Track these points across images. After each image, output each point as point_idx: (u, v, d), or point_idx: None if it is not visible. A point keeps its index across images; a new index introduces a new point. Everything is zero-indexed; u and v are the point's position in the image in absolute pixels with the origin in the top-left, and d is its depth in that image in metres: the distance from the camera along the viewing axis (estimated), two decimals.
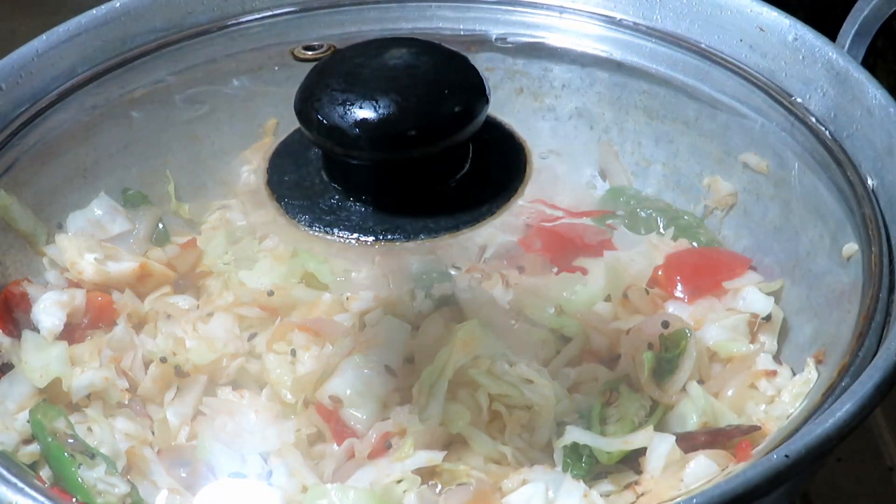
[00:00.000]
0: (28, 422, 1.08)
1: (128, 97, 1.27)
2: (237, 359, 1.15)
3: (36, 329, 1.15)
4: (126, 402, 1.12)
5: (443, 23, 1.29)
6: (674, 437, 1.03)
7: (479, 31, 1.29)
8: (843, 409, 0.88)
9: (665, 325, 1.11)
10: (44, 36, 1.24)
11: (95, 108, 1.25)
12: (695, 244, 1.23)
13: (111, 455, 1.06)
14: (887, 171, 1.08)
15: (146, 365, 1.14)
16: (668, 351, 1.11)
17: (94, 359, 1.13)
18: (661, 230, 1.24)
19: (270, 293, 1.17)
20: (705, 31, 1.23)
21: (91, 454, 1.05)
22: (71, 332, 1.16)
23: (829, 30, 1.18)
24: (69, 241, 1.20)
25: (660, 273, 1.18)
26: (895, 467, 1.33)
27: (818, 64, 1.16)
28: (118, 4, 1.27)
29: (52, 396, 1.11)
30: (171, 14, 1.28)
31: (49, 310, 1.15)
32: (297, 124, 0.97)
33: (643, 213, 1.25)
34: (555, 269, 1.21)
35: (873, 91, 1.11)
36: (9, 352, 1.14)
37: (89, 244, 1.20)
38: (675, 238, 1.23)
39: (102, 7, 1.26)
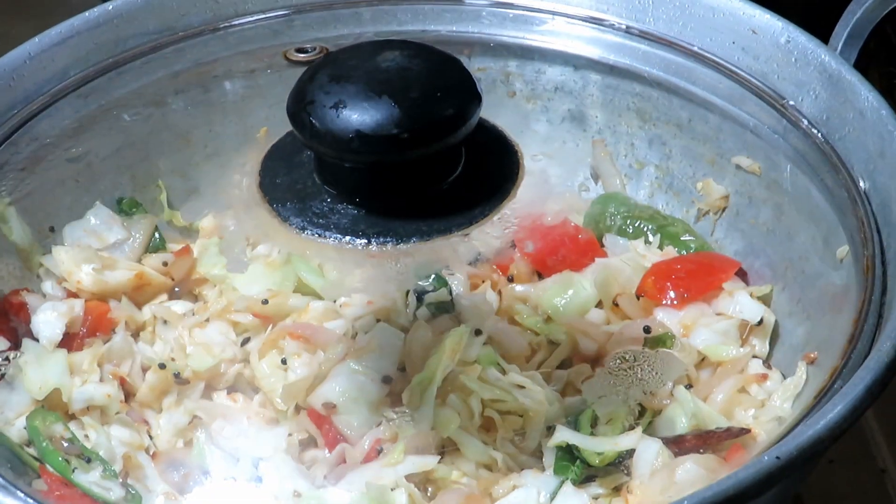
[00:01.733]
0: (25, 427, 1.09)
1: (120, 100, 1.27)
2: (235, 364, 1.15)
3: (35, 338, 1.15)
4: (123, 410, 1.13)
5: (435, 25, 1.29)
6: (660, 441, 1.04)
7: (471, 33, 1.29)
8: (834, 410, 0.88)
9: (647, 330, 1.12)
10: (36, 38, 1.23)
11: (88, 111, 1.25)
12: (684, 252, 1.23)
13: (107, 460, 1.06)
14: (879, 173, 1.08)
15: (144, 371, 1.15)
16: None
17: (92, 368, 1.13)
18: (650, 239, 1.24)
19: (265, 302, 1.17)
20: (698, 34, 1.23)
21: (87, 458, 1.05)
22: (69, 342, 1.16)
23: (822, 32, 1.18)
24: (66, 253, 1.20)
25: (650, 279, 1.18)
26: (887, 469, 1.33)
27: (811, 66, 1.16)
28: (111, 7, 1.26)
29: (51, 406, 1.11)
30: (164, 16, 1.28)
31: (48, 320, 1.15)
32: (289, 127, 0.97)
33: (630, 229, 1.25)
34: (545, 275, 1.21)
35: (865, 93, 1.11)
36: (8, 361, 1.14)
37: (86, 255, 1.20)
38: (660, 247, 1.23)
39: (95, 10, 1.26)
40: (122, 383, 1.14)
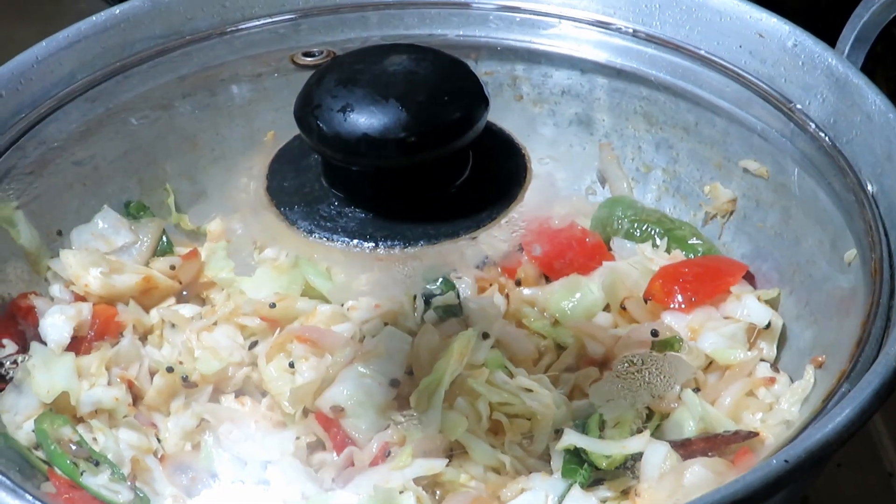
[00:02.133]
0: (33, 430, 1.09)
1: (127, 104, 1.27)
2: (242, 368, 1.15)
3: (43, 342, 1.15)
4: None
5: (442, 29, 1.29)
6: (668, 445, 1.04)
7: (478, 37, 1.29)
8: (842, 413, 0.88)
9: (654, 333, 1.12)
10: (43, 42, 1.23)
11: (95, 114, 1.25)
12: (691, 256, 1.23)
13: (116, 463, 1.07)
14: (887, 176, 1.08)
15: (152, 375, 1.15)
16: None
17: (100, 372, 1.14)
18: (657, 243, 1.24)
19: (272, 305, 1.17)
20: (705, 38, 1.23)
21: (95, 461, 1.05)
22: (77, 345, 1.16)
23: (829, 36, 1.18)
24: (74, 257, 1.20)
25: (658, 283, 1.18)
26: (895, 473, 1.33)
27: (818, 70, 1.16)
28: (118, 11, 1.27)
29: (59, 409, 1.11)
30: (171, 20, 1.28)
31: (56, 323, 1.16)
32: (296, 130, 0.97)
33: (637, 233, 1.25)
34: (552, 278, 1.21)
35: (873, 97, 1.11)
36: (16, 364, 1.14)
37: (94, 258, 1.20)
38: (668, 250, 1.23)
39: (102, 13, 1.26)
40: (130, 387, 1.14)
